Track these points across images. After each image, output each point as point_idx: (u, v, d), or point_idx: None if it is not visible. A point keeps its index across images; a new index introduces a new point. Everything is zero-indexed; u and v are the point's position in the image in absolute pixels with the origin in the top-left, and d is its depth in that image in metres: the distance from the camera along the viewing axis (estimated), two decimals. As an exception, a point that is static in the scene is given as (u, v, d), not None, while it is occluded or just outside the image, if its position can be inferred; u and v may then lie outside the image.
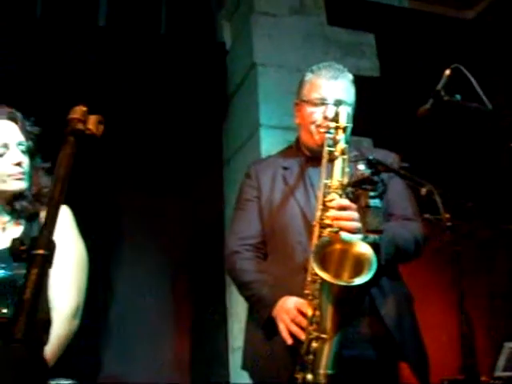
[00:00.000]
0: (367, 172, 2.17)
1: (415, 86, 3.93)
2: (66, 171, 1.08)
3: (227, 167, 4.35)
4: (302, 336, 2.06)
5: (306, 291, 2.11)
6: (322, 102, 2.37)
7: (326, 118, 2.34)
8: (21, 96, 2.37)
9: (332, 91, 2.37)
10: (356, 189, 2.18)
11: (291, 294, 2.17)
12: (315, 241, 2.12)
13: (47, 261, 0.95)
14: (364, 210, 2.12)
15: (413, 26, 4.50)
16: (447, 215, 1.74)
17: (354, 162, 2.29)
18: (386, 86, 4.20)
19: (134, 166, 4.09)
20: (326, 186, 2.21)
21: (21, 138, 2.14)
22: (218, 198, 4.29)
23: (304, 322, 2.06)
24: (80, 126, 1.16)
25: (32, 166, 2.17)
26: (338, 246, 2.07)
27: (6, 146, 2.10)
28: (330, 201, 2.17)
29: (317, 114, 2.38)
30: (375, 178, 2.16)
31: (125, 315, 3.94)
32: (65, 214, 2.11)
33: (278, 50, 4.03)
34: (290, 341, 2.10)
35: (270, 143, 3.69)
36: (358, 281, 1.94)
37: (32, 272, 0.93)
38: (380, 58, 4.29)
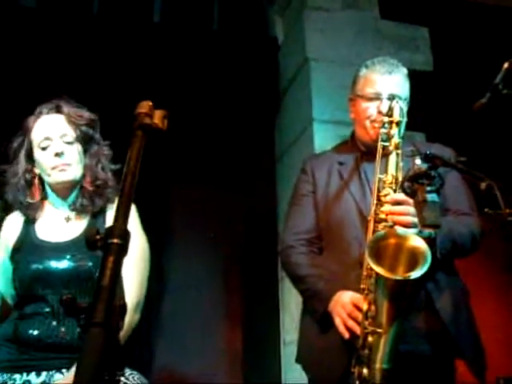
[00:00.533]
0: (424, 166, 2.16)
1: (470, 79, 3.89)
2: (135, 164, 1.12)
3: (280, 162, 4.37)
4: (358, 330, 2.07)
5: (362, 286, 2.11)
6: (377, 97, 2.37)
7: (380, 112, 2.34)
8: (80, 91, 2.39)
9: (386, 86, 2.37)
10: (413, 183, 2.18)
11: (347, 288, 2.19)
12: (370, 235, 2.13)
13: (123, 249, 0.99)
14: (421, 205, 2.11)
15: (468, 18, 4.42)
16: (508, 210, 1.72)
17: (410, 156, 2.29)
18: (440, 80, 4.15)
19: (188, 161, 4.14)
20: (381, 181, 2.21)
21: (65, 129, 2.13)
22: (270, 192, 4.32)
23: (360, 317, 2.07)
24: (147, 121, 1.20)
25: (87, 156, 2.16)
26: (392, 241, 2.06)
27: (48, 138, 2.10)
28: (385, 195, 2.17)
29: (371, 108, 2.38)
30: (432, 173, 2.15)
31: (177, 307, 4.00)
32: (133, 212, 2.11)
33: (330, 45, 4.02)
34: (346, 335, 2.11)
35: (322, 138, 3.69)
36: (414, 275, 1.93)
37: (108, 260, 0.97)
38: (434, 52, 4.24)
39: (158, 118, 1.22)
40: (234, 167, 4.26)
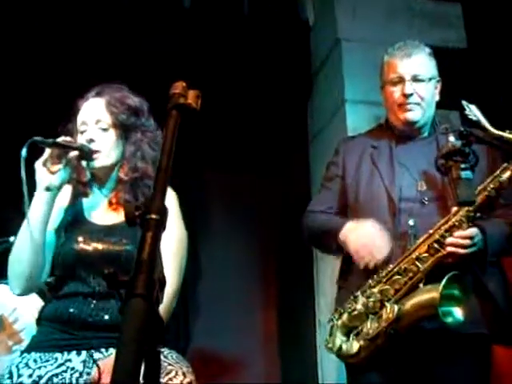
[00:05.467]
0: (458, 144, 2.16)
1: (505, 56, 3.82)
2: (171, 144, 1.14)
3: (313, 144, 4.36)
4: (361, 265, 2.18)
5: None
6: (400, 80, 2.39)
7: (404, 95, 2.36)
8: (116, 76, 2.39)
9: (407, 68, 2.39)
10: (447, 161, 2.17)
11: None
12: (417, 245, 2.18)
13: (160, 224, 1.02)
14: (455, 182, 2.12)
15: (501, -6, 4.34)
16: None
17: (444, 133, 2.29)
18: (473, 57, 4.09)
19: (222, 146, 4.17)
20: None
21: (101, 115, 2.11)
22: (304, 175, 4.32)
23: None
24: (182, 101, 1.22)
25: (127, 144, 2.14)
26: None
27: (85, 123, 2.10)
28: (460, 224, 2.15)
29: (396, 93, 2.40)
30: (466, 150, 2.15)
31: (214, 291, 4.05)
32: (170, 197, 2.09)
33: (361, 25, 3.99)
34: (361, 265, 2.19)
35: (355, 118, 3.68)
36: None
37: (147, 235, 1.00)
38: (467, 29, 4.18)
39: (191, 97, 1.25)
40: (268, 151, 4.28)
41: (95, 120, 2.11)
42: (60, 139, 1.98)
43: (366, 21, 4.00)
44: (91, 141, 2.07)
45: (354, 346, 2.18)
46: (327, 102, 4.11)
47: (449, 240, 2.12)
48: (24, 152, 1.86)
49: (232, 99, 4.19)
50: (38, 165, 1.97)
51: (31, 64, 3.90)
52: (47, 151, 1.96)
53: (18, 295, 2.09)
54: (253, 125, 4.25)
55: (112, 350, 1.92)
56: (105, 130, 2.10)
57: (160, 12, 4.25)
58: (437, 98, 2.45)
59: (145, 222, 1.02)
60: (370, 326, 2.14)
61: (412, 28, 3.95)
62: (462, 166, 2.13)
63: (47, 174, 1.97)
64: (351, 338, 2.20)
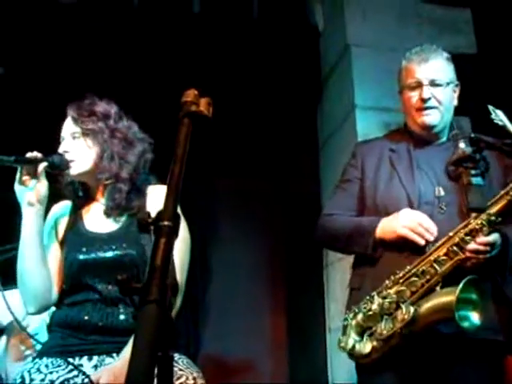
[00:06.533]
0: (468, 150, 2.16)
1: (515, 61, 3.82)
2: (183, 151, 1.15)
3: (323, 149, 4.37)
4: (422, 242, 2.17)
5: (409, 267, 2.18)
6: (418, 85, 2.38)
7: (422, 100, 2.36)
8: (124, 84, 2.43)
9: (425, 73, 2.37)
10: (457, 167, 2.17)
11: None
12: (440, 247, 2.16)
13: (173, 231, 1.03)
14: (466, 188, 2.12)
15: (511, -3, 4.34)
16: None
17: (454, 140, 2.29)
18: (483, 62, 4.08)
19: (233, 149, 4.18)
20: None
21: (71, 127, 2.19)
22: (314, 180, 4.33)
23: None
24: (194, 108, 1.23)
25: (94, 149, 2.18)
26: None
27: (63, 138, 2.19)
28: (480, 228, 2.14)
29: (414, 97, 2.39)
30: (477, 156, 2.15)
31: (223, 296, 4.06)
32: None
33: (371, 31, 4.00)
34: (422, 241, 2.19)
35: (365, 124, 3.68)
36: None
37: (160, 241, 1.01)
38: (477, 34, 4.17)
39: (203, 105, 1.26)
40: (278, 156, 4.28)
41: (68, 134, 2.20)
42: (28, 154, 2.04)
43: (376, 26, 4.01)
44: (65, 152, 2.15)
45: (367, 346, 2.18)
46: (337, 108, 4.12)
47: (470, 246, 2.11)
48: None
49: (241, 104, 4.20)
50: (16, 186, 2.03)
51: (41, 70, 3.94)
52: (19, 170, 2.02)
53: (33, 314, 2.13)
54: (262, 130, 4.26)
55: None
56: (76, 138, 2.18)
57: (169, 17, 4.27)
58: (455, 102, 2.44)
59: (158, 228, 1.03)
60: (384, 327, 2.14)
61: (421, 34, 3.96)
62: (473, 172, 2.13)
63: (24, 191, 2.02)
64: (365, 338, 2.20)
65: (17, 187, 2.03)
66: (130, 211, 2.15)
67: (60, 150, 2.15)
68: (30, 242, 2.02)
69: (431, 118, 2.36)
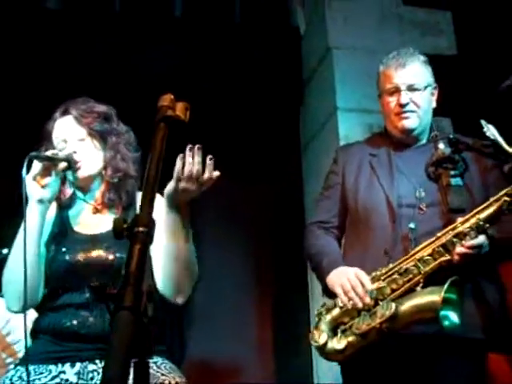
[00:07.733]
0: (447, 151, 2.18)
1: (495, 63, 3.84)
2: (159, 154, 1.15)
3: (306, 151, 4.38)
4: (360, 304, 2.16)
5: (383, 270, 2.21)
6: (396, 90, 2.40)
7: (400, 105, 2.38)
8: (103, 88, 2.42)
9: (402, 78, 2.40)
10: (437, 168, 2.19)
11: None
12: (423, 247, 2.18)
13: (148, 237, 1.03)
14: (445, 189, 2.13)
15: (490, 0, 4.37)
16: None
17: (433, 141, 2.31)
18: (464, 64, 4.11)
19: (215, 152, 4.15)
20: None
21: (75, 129, 2.15)
22: (297, 182, 4.34)
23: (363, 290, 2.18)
24: (169, 113, 1.23)
25: (106, 149, 2.17)
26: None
27: (64, 141, 2.13)
28: (468, 232, 2.13)
29: (393, 102, 2.42)
30: (456, 157, 2.17)
31: (209, 298, 4.04)
32: (161, 203, 2.07)
33: (352, 33, 4.03)
34: (349, 305, 2.19)
35: (347, 126, 3.70)
36: None
37: (135, 247, 1.01)
38: (458, 36, 4.20)
39: (179, 110, 1.26)
40: (261, 158, 4.28)
41: (73, 134, 2.14)
42: (49, 152, 2.01)
43: (357, 29, 4.03)
44: (74, 153, 2.10)
45: (342, 342, 2.19)
46: (319, 110, 4.13)
47: (458, 250, 2.11)
48: (24, 171, 1.92)
49: (224, 108, 4.21)
50: (29, 179, 1.98)
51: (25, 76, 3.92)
52: (36, 165, 1.98)
53: (16, 312, 2.09)
54: (245, 132, 4.26)
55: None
56: (82, 140, 2.14)
57: (151, 21, 4.27)
58: (433, 104, 2.46)
59: (132, 234, 1.03)
60: (363, 322, 2.15)
61: (403, 36, 3.98)
62: (452, 173, 2.15)
63: (38, 187, 1.98)
64: (339, 334, 2.21)
65: (30, 182, 1.97)
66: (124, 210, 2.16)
67: (69, 151, 2.10)
68: (30, 238, 1.96)
69: (410, 121, 2.38)
